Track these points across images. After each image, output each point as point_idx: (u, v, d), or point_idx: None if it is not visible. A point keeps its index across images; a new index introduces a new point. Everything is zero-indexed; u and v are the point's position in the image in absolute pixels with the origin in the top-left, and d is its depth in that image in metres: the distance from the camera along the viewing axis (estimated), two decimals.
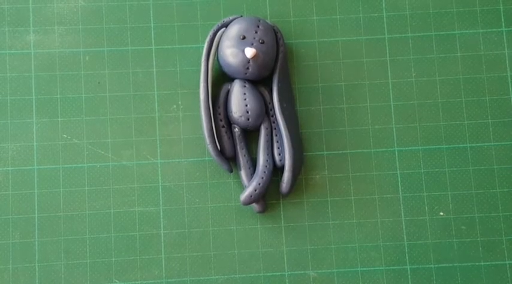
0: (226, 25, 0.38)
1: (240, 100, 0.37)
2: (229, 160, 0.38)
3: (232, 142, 0.38)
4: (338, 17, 0.40)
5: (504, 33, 0.40)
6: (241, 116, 0.37)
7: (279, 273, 0.38)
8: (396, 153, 0.39)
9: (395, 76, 0.40)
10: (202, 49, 0.38)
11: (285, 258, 0.38)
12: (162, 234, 0.38)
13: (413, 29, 0.40)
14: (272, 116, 0.38)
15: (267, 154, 0.37)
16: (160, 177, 0.38)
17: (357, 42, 0.40)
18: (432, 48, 0.40)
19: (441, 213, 0.38)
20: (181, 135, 0.39)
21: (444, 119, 0.39)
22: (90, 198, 0.38)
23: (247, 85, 0.37)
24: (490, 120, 0.39)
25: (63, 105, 0.39)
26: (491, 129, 0.39)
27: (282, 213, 0.38)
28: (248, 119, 0.37)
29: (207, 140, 0.37)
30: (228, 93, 0.38)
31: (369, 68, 0.40)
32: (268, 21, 0.39)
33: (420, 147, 0.39)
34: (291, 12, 0.40)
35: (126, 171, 0.38)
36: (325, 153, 0.39)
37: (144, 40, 0.39)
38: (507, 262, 0.38)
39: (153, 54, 0.39)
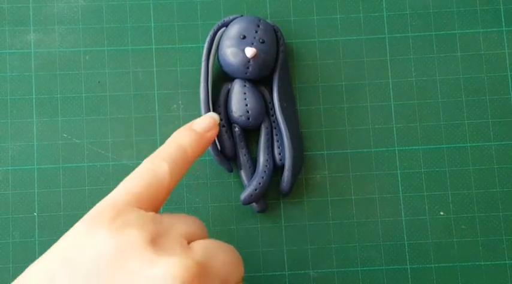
0: (226, 25, 0.38)
1: (240, 100, 0.37)
2: (230, 159, 0.38)
3: (232, 142, 0.38)
4: (338, 16, 0.40)
5: (504, 33, 0.40)
6: (241, 116, 0.37)
7: (279, 272, 0.38)
8: (396, 152, 0.39)
9: (395, 76, 0.40)
10: (203, 49, 0.38)
11: (285, 258, 0.38)
12: None
13: (413, 29, 0.40)
14: (272, 116, 0.38)
15: (267, 154, 0.37)
16: None
17: (357, 41, 0.40)
18: (432, 48, 0.40)
19: (441, 213, 0.38)
20: None
21: (444, 119, 0.39)
22: (91, 197, 0.38)
23: (247, 85, 0.37)
24: (490, 120, 0.39)
25: (63, 105, 0.39)
26: (491, 128, 0.39)
27: (282, 212, 0.38)
28: (248, 118, 0.37)
29: None
30: (228, 92, 0.38)
31: (369, 68, 0.40)
32: (268, 20, 0.39)
33: (420, 147, 0.39)
34: (291, 12, 0.40)
35: (127, 170, 0.38)
36: (326, 152, 0.39)
37: (145, 39, 0.39)
38: (507, 261, 0.38)
39: (154, 53, 0.39)
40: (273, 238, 0.38)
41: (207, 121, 0.33)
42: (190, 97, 0.39)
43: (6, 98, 0.39)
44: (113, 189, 0.27)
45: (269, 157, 0.37)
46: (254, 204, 0.37)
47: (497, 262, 0.38)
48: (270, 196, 0.38)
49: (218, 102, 0.38)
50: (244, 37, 0.37)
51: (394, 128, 0.39)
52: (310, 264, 0.38)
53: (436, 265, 0.38)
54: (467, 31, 0.40)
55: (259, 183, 0.37)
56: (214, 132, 0.33)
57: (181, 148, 0.31)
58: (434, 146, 0.39)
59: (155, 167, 0.29)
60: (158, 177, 0.29)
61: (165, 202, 0.30)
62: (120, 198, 0.28)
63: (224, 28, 0.38)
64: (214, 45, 0.38)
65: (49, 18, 0.40)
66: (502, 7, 0.40)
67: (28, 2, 0.40)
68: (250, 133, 0.38)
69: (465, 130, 0.39)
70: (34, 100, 0.39)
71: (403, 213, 0.38)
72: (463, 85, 0.40)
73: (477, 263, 0.38)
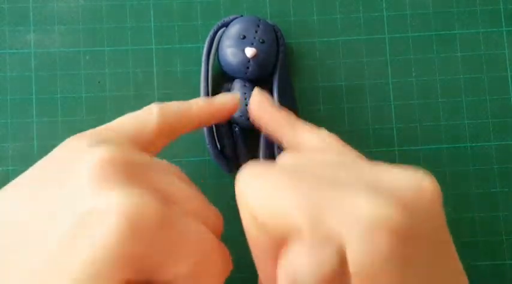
0: (226, 25, 0.38)
1: (240, 100, 0.37)
2: (230, 159, 0.38)
3: (232, 142, 0.38)
4: (338, 16, 0.40)
5: (504, 33, 0.40)
6: (241, 116, 0.37)
7: None
8: (396, 152, 0.39)
9: (395, 76, 0.40)
10: (203, 49, 0.38)
11: None
12: None
13: (413, 29, 0.40)
14: None
15: (267, 154, 0.37)
16: None
17: (357, 41, 0.40)
18: (432, 48, 0.40)
19: None
20: (181, 135, 0.38)
21: (444, 119, 0.39)
22: None
23: (247, 85, 0.37)
24: (490, 120, 0.39)
25: (63, 105, 0.39)
26: (491, 128, 0.39)
27: None
28: (248, 119, 0.37)
29: (207, 140, 0.37)
30: (228, 92, 0.38)
31: (369, 68, 0.40)
32: (268, 20, 0.39)
33: (420, 147, 0.39)
34: (291, 12, 0.40)
35: None
36: None
37: (145, 39, 0.39)
38: (507, 262, 0.38)
39: (153, 53, 0.39)
40: None
41: (224, 95, 0.34)
42: (190, 97, 0.39)
43: (6, 98, 0.39)
44: None
45: (269, 157, 0.37)
46: None
47: (497, 262, 0.38)
48: None
49: None
50: (244, 37, 0.37)
51: (394, 128, 0.39)
52: None
53: None
54: (467, 31, 0.40)
55: None
56: (229, 105, 0.33)
57: (185, 103, 0.32)
58: (434, 146, 0.39)
59: (146, 108, 0.30)
60: (144, 114, 0.30)
61: (157, 151, 0.30)
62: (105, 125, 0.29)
63: (224, 28, 0.38)
64: (214, 45, 0.38)
65: (49, 18, 0.40)
66: (502, 7, 0.40)
67: (28, 2, 0.40)
68: (250, 133, 0.38)
69: (465, 130, 0.39)
70: (34, 100, 0.39)
71: None
72: (463, 85, 0.40)
73: (477, 263, 0.38)
